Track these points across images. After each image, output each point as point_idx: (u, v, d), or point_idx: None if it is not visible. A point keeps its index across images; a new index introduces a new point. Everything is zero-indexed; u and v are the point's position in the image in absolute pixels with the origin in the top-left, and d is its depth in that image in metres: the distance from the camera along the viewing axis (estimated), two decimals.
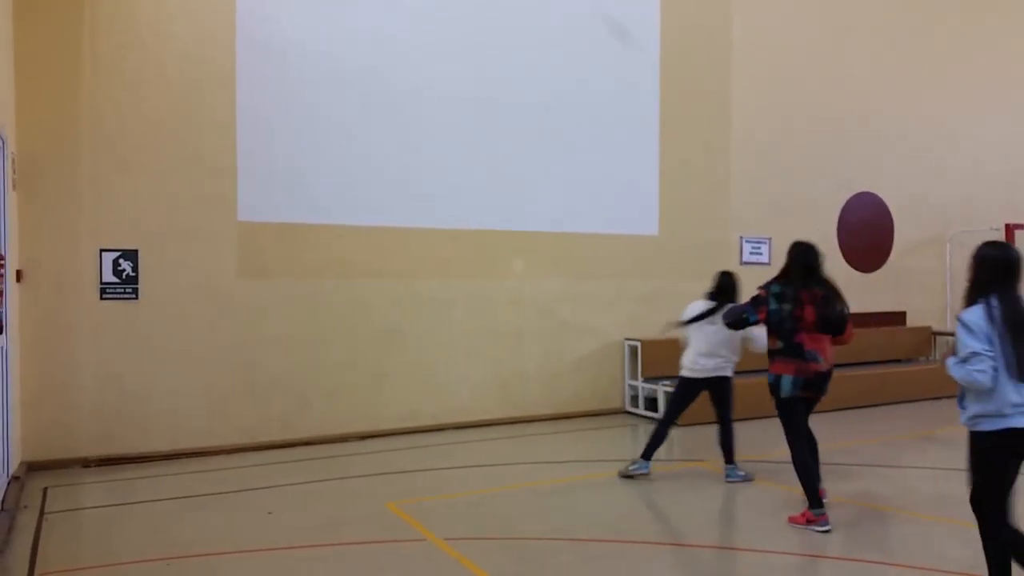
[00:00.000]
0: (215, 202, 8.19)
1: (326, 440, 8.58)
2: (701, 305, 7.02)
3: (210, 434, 8.14)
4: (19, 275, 7.24)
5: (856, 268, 12.61)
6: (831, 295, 5.80)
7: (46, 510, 6.18)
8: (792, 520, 5.70)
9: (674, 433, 9.13)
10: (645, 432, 9.15)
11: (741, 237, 11.46)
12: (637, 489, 7.14)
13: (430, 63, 9.25)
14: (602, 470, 7.71)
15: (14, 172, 6.96)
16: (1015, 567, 3.93)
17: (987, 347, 3.77)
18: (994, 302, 3.84)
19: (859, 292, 12.51)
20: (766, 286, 5.88)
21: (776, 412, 5.90)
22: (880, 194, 12.83)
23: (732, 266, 11.01)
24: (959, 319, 3.93)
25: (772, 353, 5.83)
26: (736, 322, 6.05)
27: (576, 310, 10.14)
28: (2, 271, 4.82)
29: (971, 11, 13.64)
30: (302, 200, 8.62)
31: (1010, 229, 12.71)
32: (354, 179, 8.86)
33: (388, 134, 9.03)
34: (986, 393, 3.79)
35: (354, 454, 8.18)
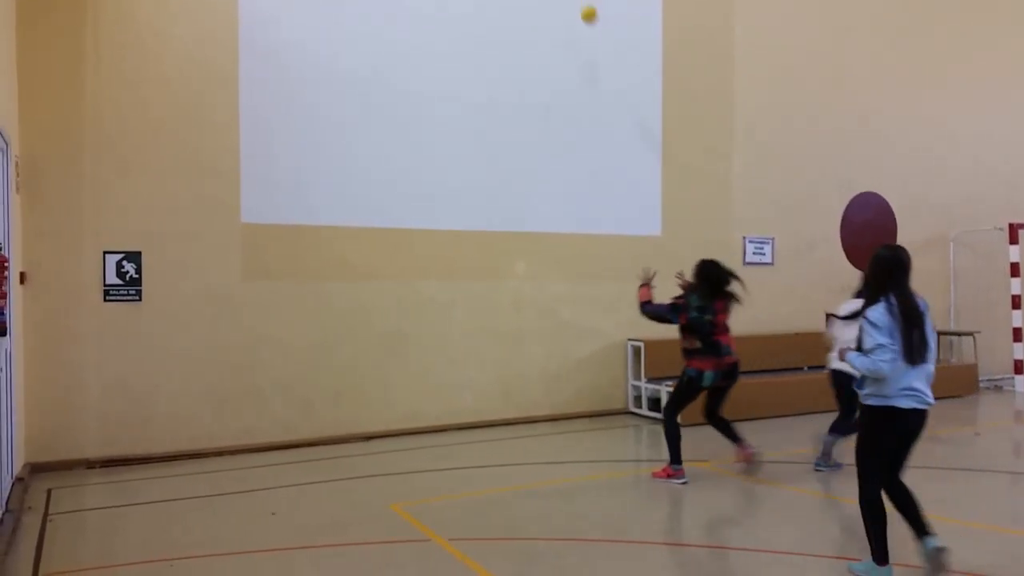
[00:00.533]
0: (218, 204, 8.21)
1: (329, 441, 8.59)
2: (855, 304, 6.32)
3: (213, 435, 8.15)
4: (23, 277, 7.26)
5: (859, 267, 12.58)
6: (733, 299, 7.01)
7: (50, 511, 6.20)
8: (656, 475, 7.04)
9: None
10: (648, 433, 9.15)
11: (744, 237, 11.46)
12: (640, 490, 7.14)
13: (431, 64, 9.26)
14: (605, 471, 7.71)
15: (17, 175, 6.98)
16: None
17: (890, 340, 4.33)
18: (892, 299, 4.40)
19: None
20: (685, 297, 6.99)
21: (678, 390, 7.11)
22: (885, 193, 12.81)
23: (735, 266, 11.01)
24: (866, 317, 4.45)
25: (691, 352, 6.92)
26: (656, 319, 7.14)
27: (578, 311, 10.14)
28: (6, 273, 4.83)
29: (971, 11, 13.61)
30: (304, 202, 8.63)
31: (1014, 228, 12.68)
32: (356, 181, 8.88)
33: (390, 135, 9.04)
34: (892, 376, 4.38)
35: (357, 455, 8.19)
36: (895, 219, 12.90)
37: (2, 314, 4.76)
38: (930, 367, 4.49)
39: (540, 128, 9.88)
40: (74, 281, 7.65)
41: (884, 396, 4.44)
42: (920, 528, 4.51)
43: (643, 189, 10.67)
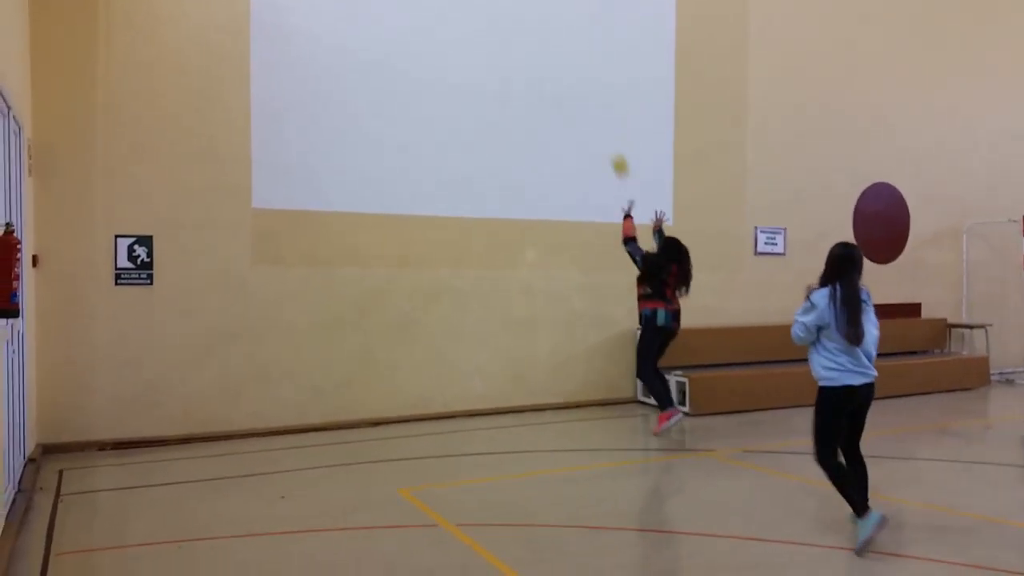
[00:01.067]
0: (229, 189, 8.23)
1: (339, 426, 8.63)
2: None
3: (223, 419, 8.19)
4: (35, 260, 7.30)
5: (871, 259, 12.52)
6: (687, 266, 8.41)
7: (61, 492, 6.25)
8: (656, 432, 8.21)
9: (685, 422, 9.15)
10: (656, 422, 9.15)
11: (756, 227, 11.41)
12: (648, 478, 7.15)
13: (444, 51, 9.24)
14: (614, 459, 7.72)
15: (30, 158, 7.00)
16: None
17: (812, 319, 5.10)
18: (838, 287, 5.06)
19: (874, 284, 12.36)
20: (639, 251, 8.47)
21: (642, 337, 8.43)
22: (897, 185, 12.73)
23: (747, 256, 11.01)
24: (808, 297, 5.20)
25: (643, 296, 8.36)
26: (630, 256, 8.52)
27: (589, 299, 10.13)
28: (18, 256, 4.85)
29: (987, 1, 13.48)
30: (315, 188, 8.64)
31: None
32: (368, 167, 8.88)
33: (402, 122, 9.03)
34: (825, 358, 5.12)
35: (366, 440, 8.22)
36: (908, 210, 12.83)
37: (15, 296, 4.78)
38: (869, 348, 5.20)
39: (553, 116, 9.85)
40: (86, 264, 7.69)
41: (831, 376, 5.12)
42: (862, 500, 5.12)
43: (655, 178, 10.61)
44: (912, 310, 12.79)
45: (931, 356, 12.30)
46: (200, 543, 5.11)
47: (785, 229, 11.61)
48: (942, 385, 11.06)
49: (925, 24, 12.89)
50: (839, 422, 5.19)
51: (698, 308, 10.46)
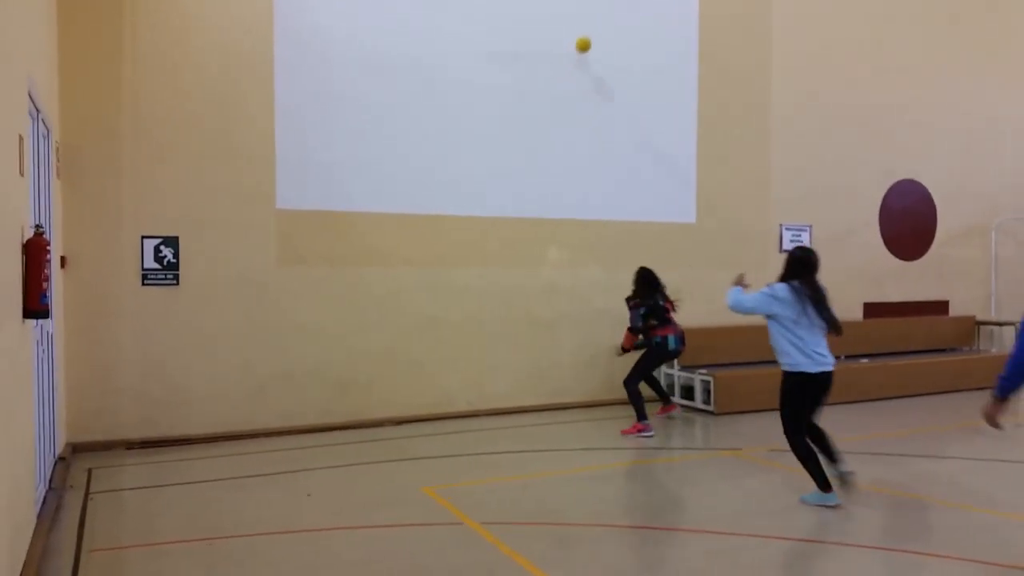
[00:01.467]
0: (253, 190, 8.28)
1: (363, 425, 8.66)
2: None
3: (249, 418, 8.25)
4: (63, 261, 7.39)
5: (898, 256, 12.41)
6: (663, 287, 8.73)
7: (91, 490, 6.32)
8: (625, 432, 8.37)
9: (710, 421, 9.11)
10: (680, 420, 9.12)
11: (781, 224, 11.33)
12: (672, 476, 7.12)
13: (464, 50, 9.24)
14: (638, 457, 7.69)
15: (58, 160, 7.09)
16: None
17: (765, 305, 5.86)
18: (795, 283, 5.76)
19: (900, 280, 12.36)
20: (635, 305, 8.60)
21: (647, 356, 8.67)
22: (923, 182, 12.60)
23: (771, 253, 10.95)
24: (769, 285, 5.91)
25: (651, 328, 8.58)
26: (638, 330, 8.69)
27: (611, 298, 10.05)
28: (48, 258, 4.91)
29: None
30: (338, 189, 8.68)
31: None
32: (390, 167, 8.90)
33: (424, 122, 9.05)
34: (792, 347, 5.75)
35: (390, 439, 8.25)
36: (935, 207, 12.69)
37: (44, 297, 4.84)
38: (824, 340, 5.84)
39: (574, 114, 9.83)
40: (113, 265, 7.77)
41: (795, 363, 5.75)
42: (832, 457, 5.87)
43: (678, 175, 10.58)
44: (939, 307, 12.66)
45: (959, 354, 12.16)
46: (228, 540, 5.15)
47: (811, 226, 11.51)
48: (971, 383, 10.90)
49: (953, 19, 12.74)
50: (804, 403, 5.83)
51: (723, 307, 10.32)
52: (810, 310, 5.71)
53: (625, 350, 8.92)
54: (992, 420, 4.24)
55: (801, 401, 5.82)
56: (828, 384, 5.81)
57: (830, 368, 5.78)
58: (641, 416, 8.44)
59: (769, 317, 5.89)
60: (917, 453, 7.50)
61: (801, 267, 5.89)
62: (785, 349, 5.82)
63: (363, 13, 8.76)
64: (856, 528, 5.36)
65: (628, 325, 8.68)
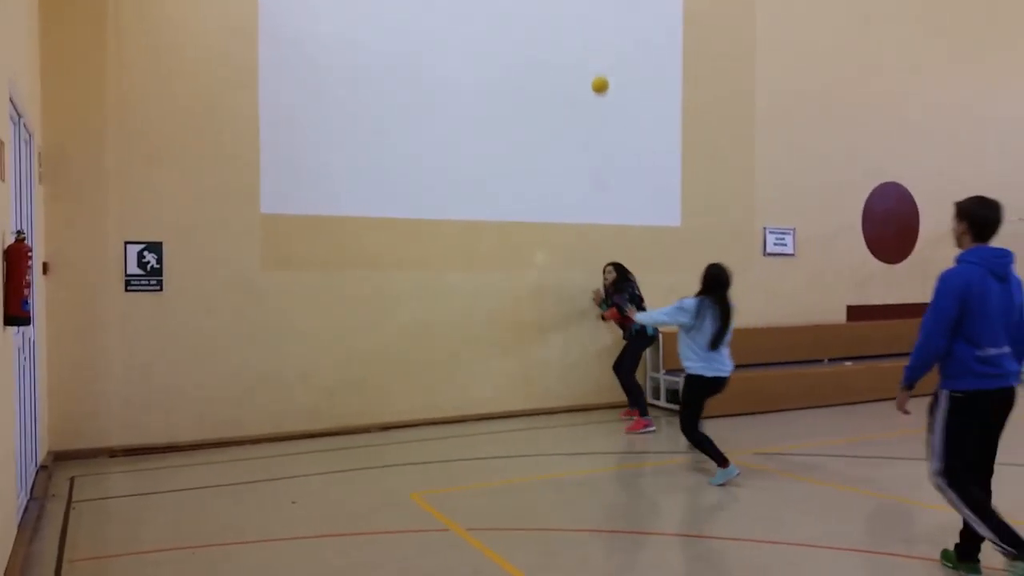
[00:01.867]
0: (239, 194, 8.24)
1: (350, 431, 8.63)
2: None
3: (235, 424, 8.20)
4: (45, 267, 7.32)
5: (881, 259, 12.49)
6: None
7: (73, 499, 6.26)
8: (630, 430, 8.69)
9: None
10: (667, 423, 9.14)
11: (764, 227, 11.38)
12: (658, 480, 7.13)
13: (451, 54, 9.23)
14: (624, 462, 7.69)
15: (40, 166, 7.03)
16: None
17: (681, 319, 6.74)
18: (707, 299, 6.67)
19: (884, 283, 12.43)
20: (619, 291, 9.09)
21: (633, 348, 9.11)
22: (907, 183, 12.68)
23: (756, 256, 10.95)
24: (682, 298, 6.81)
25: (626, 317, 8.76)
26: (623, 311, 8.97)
27: None
28: (30, 264, 4.87)
29: None
30: (325, 192, 8.64)
31: None
32: (377, 171, 8.88)
33: (410, 125, 9.03)
34: (694, 353, 6.69)
35: (378, 444, 8.22)
36: (917, 209, 12.78)
37: (26, 303, 4.79)
38: (726, 349, 6.74)
39: (560, 117, 9.84)
40: (96, 271, 7.70)
41: (694, 368, 6.68)
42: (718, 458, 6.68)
43: (663, 179, 10.61)
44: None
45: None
46: (213, 549, 5.12)
47: (794, 229, 11.57)
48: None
49: (936, 21, 12.84)
50: (702, 402, 6.81)
51: None
52: (708, 323, 6.60)
53: (604, 319, 9.46)
54: (902, 408, 4.79)
55: (699, 401, 6.79)
56: (722, 387, 6.79)
57: (725, 374, 6.72)
58: (644, 412, 8.83)
59: (680, 327, 6.78)
60: (903, 456, 7.54)
61: (710, 283, 6.75)
62: (686, 355, 6.75)
63: (348, 15, 8.74)
64: (843, 531, 5.37)
65: (611, 306, 9.15)
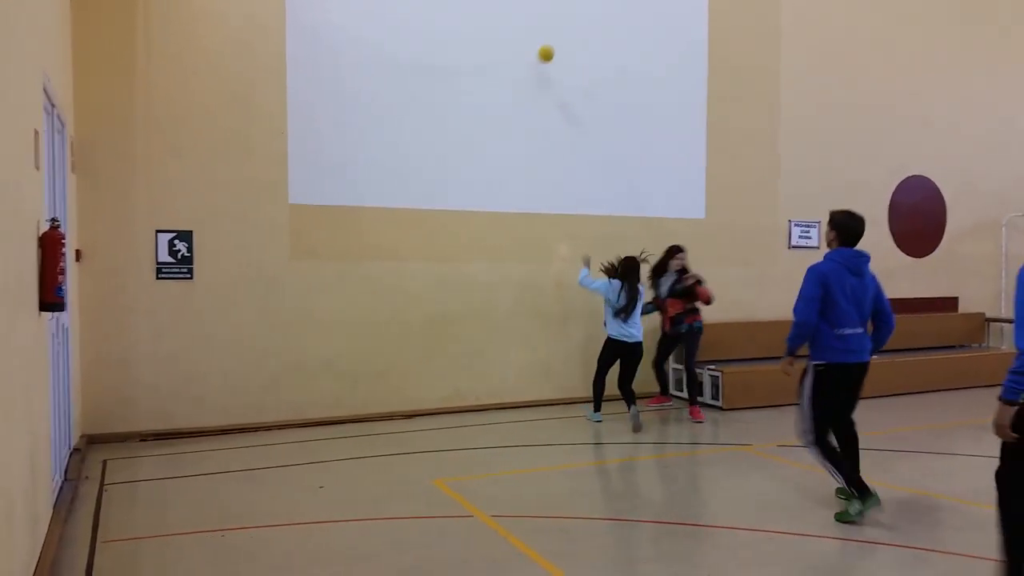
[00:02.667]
0: (266, 185, 8.34)
1: (373, 418, 8.73)
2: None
3: (261, 410, 8.32)
4: (78, 255, 7.46)
5: (907, 253, 12.39)
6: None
7: (106, 481, 6.40)
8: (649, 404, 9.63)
9: (720, 417, 9.15)
10: (688, 415, 9.15)
11: (790, 221, 11.32)
12: (682, 471, 7.15)
13: (474, 47, 9.26)
14: (646, 452, 7.72)
15: (73, 155, 7.15)
16: None
17: (599, 290, 8.62)
18: (624, 284, 8.42)
19: (910, 277, 12.33)
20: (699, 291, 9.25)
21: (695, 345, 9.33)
22: (933, 178, 12.56)
23: (781, 250, 10.90)
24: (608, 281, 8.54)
25: (690, 311, 9.23)
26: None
27: None
28: (63, 251, 4.97)
29: None
30: (350, 184, 8.72)
31: None
32: (401, 162, 8.94)
33: (434, 117, 9.08)
34: (612, 321, 8.48)
35: (401, 432, 8.30)
36: (944, 203, 12.66)
37: (60, 290, 4.89)
38: (636, 319, 8.51)
39: (584, 109, 9.85)
40: (127, 259, 7.84)
41: (611, 333, 8.47)
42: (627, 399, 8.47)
43: (687, 172, 10.59)
44: (949, 304, 12.63)
45: (968, 351, 12.15)
46: (241, 532, 5.22)
47: (819, 222, 11.50)
48: (980, 380, 10.89)
49: (965, 14, 12.68)
50: (611, 362, 8.67)
51: (731, 303, 10.42)
52: (621, 299, 8.38)
53: (664, 310, 9.37)
54: (784, 370, 5.82)
55: (607, 357, 8.66)
56: (629, 350, 8.52)
57: (630, 340, 8.46)
58: (694, 400, 9.20)
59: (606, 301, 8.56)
60: (924, 450, 7.51)
61: (626, 270, 8.47)
62: (607, 322, 8.61)
63: (375, 11, 8.80)
64: (867, 524, 5.37)
65: (660, 299, 9.35)
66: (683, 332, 9.25)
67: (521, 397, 9.60)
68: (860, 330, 5.55)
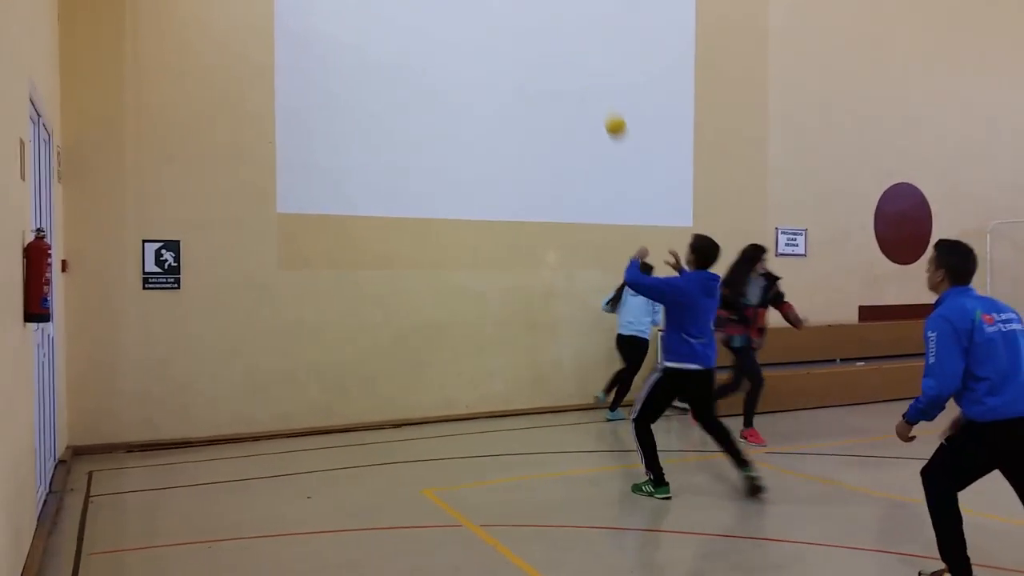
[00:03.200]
0: (254, 194, 8.32)
1: (363, 427, 8.70)
2: None
3: (251, 420, 8.28)
4: (64, 265, 7.41)
5: (893, 259, 12.46)
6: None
7: (91, 493, 6.35)
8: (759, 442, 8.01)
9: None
10: (678, 422, 9.16)
11: (777, 228, 11.37)
12: (670, 479, 7.14)
13: (463, 54, 9.29)
14: (634, 461, 7.71)
15: (59, 164, 7.12)
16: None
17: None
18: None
19: (896, 283, 12.40)
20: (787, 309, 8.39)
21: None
22: (919, 184, 12.65)
23: (768, 257, 10.97)
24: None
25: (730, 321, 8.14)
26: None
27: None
28: (49, 261, 4.94)
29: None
30: (339, 192, 8.72)
31: None
32: (390, 171, 8.94)
33: (423, 126, 9.09)
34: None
35: (390, 441, 8.28)
36: (930, 210, 12.74)
37: (46, 301, 4.86)
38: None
39: (571, 116, 9.86)
40: (114, 269, 7.80)
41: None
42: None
43: (675, 178, 10.63)
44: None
45: None
46: (229, 543, 5.18)
47: (806, 229, 11.56)
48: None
49: (952, 20, 12.80)
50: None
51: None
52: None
53: (741, 326, 8.15)
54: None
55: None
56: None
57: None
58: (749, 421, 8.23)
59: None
60: (916, 456, 7.53)
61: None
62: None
63: (364, 17, 8.81)
64: (852, 531, 5.38)
65: (748, 308, 8.14)
66: (745, 347, 8.15)
67: (511, 405, 9.59)
68: (705, 340, 6.13)
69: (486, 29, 9.41)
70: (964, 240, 4.70)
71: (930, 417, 4.31)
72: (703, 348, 6.09)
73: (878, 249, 12.27)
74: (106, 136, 7.74)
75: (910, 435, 4.50)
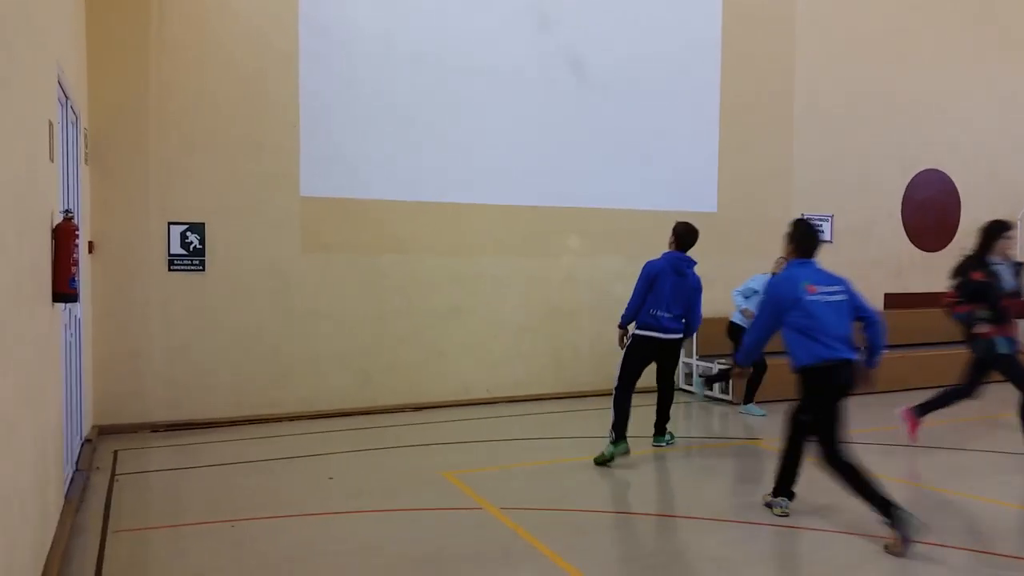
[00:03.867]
0: (278, 178, 8.36)
1: (383, 410, 8.75)
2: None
3: (273, 402, 8.36)
4: (91, 246, 7.50)
5: (920, 247, 12.31)
6: None
7: (117, 472, 6.44)
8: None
9: (728, 411, 9.12)
10: (698, 409, 9.13)
11: (803, 214, 11.26)
12: (690, 465, 7.14)
13: (485, 39, 9.25)
14: (656, 446, 7.70)
15: (86, 146, 7.19)
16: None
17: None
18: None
19: (922, 271, 12.25)
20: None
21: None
22: (948, 171, 12.47)
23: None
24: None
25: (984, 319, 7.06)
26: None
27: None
28: (76, 242, 5.00)
29: None
30: (361, 177, 8.74)
31: None
32: (412, 156, 8.94)
33: (445, 111, 9.08)
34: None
35: (410, 424, 8.32)
36: (959, 197, 12.57)
37: (74, 281, 4.92)
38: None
39: (595, 101, 9.82)
40: (140, 251, 7.88)
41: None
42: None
43: (699, 165, 10.55)
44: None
45: None
46: (251, 522, 5.25)
47: (832, 216, 11.44)
48: (994, 375, 10.79)
49: (980, 6, 12.57)
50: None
51: None
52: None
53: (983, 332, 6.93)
54: (620, 344, 7.02)
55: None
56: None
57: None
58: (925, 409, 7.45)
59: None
60: (941, 445, 7.47)
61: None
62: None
63: (386, 3, 8.79)
64: (868, 519, 5.35)
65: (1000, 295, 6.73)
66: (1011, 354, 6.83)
67: (531, 390, 9.60)
68: (669, 314, 6.91)
69: (508, 13, 9.36)
70: None
71: (747, 361, 5.79)
72: (668, 322, 6.86)
73: (904, 236, 12.13)
74: (132, 120, 7.80)
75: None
